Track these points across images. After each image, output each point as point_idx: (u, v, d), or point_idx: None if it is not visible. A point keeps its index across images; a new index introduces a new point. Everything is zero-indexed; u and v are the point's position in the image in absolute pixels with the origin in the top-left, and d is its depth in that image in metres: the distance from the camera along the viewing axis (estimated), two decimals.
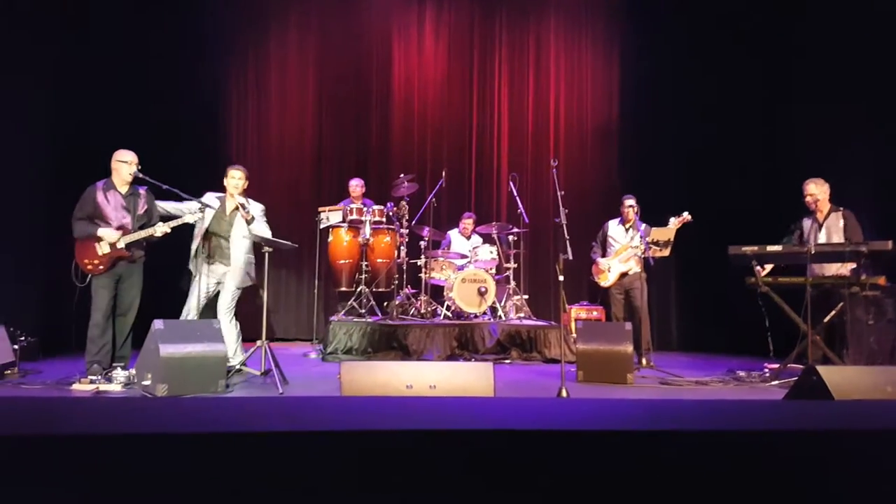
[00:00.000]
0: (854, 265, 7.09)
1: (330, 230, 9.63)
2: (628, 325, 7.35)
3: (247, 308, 10.93)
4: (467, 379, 4.40)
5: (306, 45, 11.73)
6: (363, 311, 9.18)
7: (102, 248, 6.52)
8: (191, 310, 7.13)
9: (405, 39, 12.03)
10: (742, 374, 7.64)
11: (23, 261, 8.27)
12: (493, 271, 9.85)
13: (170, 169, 7.05)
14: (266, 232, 7.26)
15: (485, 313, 9.47)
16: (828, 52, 9.84)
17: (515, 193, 10.15)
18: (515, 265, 10.03)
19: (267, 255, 6.76)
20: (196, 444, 1.91)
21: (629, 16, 12.08)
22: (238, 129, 11.48)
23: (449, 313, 9.55)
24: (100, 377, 6.26)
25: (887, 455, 2.15)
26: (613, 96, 12.30)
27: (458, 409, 2.67)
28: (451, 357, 8.58)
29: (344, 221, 9.37)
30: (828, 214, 7.65)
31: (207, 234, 7.16)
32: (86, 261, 6.51)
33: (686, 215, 8.28)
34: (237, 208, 7.23)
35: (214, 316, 7.08)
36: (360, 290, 9.29)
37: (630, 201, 8.77)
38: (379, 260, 9.50)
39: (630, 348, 7.17)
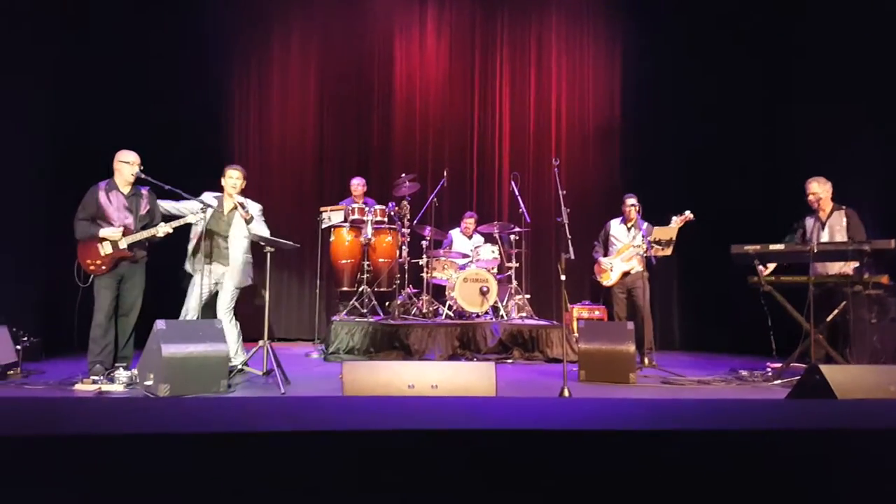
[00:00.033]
0: (857, 264, 7.09)
1: (332, 230, 9.62)
2: (630, 325, 7.34)
3: (249, 308, 10.98)
4: (469, 379, 4.40)
5: (308, 44, 11.73)
6: (365, 310, 9.18)
7: (105, 249, 6.52)
8: (189, 311, 7.13)
9: (407, 39, 12.04)
10: (744, 373, 7.63)
11: (23, 261, 8.27)
12: (495, 271, 9.86)
13: (171, 169, 7.06)
14: (265, 231, 7.26)
15: (487, 313, 9.47)
16: (828, 52, 9.84)
17: (517, 193, 10.15)
18: (517, 264, 10.03)
19: (269, 255, 6.76)
20: (198, 444, 1.91)
21: (630, 15, 12.07)
22: (240, 129, 11.49)
23: (451, 313, 9.55)
24: (102, 377, 6.26)
25: (890, 454, 2.15)
26: (615, 96, 12.30)
27: (460, 409, 2.67)
28: (453, 357, 8.58)
29: (346, 221, 9.37)
30: (830, 213, 7.65)
31: (205, 234, 7.15)
32: (88, 261, 6.51)
33: (688, 214, 8.28)
34: (235, 208, 7.23)
35: (213, 316, 7.07)
36: (362, 290, 9.29)
37: (631, 200, 8.77)
38: (381, 260, 9.50)
39: (632, 348, 7.16)
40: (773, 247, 7.27)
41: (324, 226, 9.64)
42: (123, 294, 6.79)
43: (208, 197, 7.19)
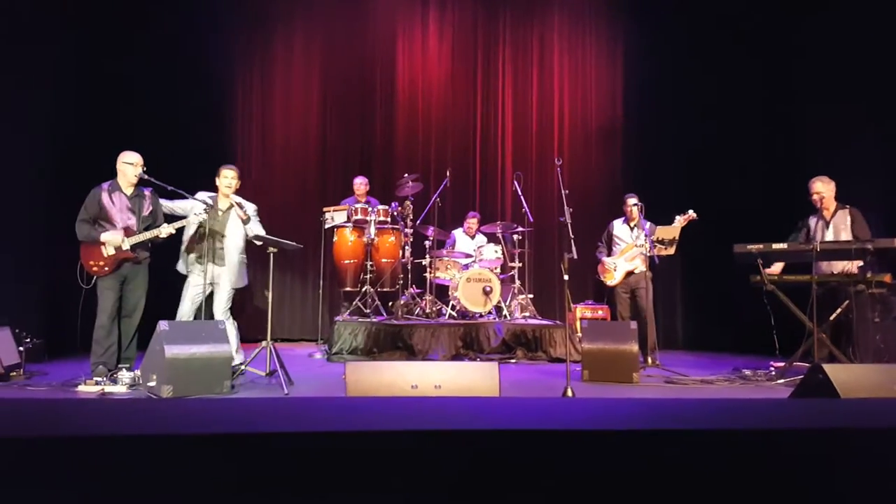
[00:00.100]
0: (861, 263, 7.09)
1: (335, 230, 9.63)
2: (634, 324, 7.32)
3: (251, 308, 10.99)
4: (472, 379, 4.40)
5: (311, 45, 11.74)
6: (368, 311, 9.19)
7: (108, 250, 6.52)
8: (185, 312, 7.12)
9: (409, 39, 12.04)
10: (748, 372, 7.62)
11: (25, 261, 8.26)
12: (498, 270, 9.84)
13: (173, 170, 7.04)
14: (261, 232, 7.25)
15: (490, 313, 9.47)
16: (828, 52, 9.85)
17: (520, 192, 10.14)
18: (520, 264, 10.02)
19: (271, 255, 6.76)
20: (201, 445, 1.91)
21: (631, 16, 12.07)
22: (243, 130, 11.49)
23: (454, 313, 9.55)
24: (105, 379, 6.25)
25: (893, 453, 2.15)
26: (617, 95, 12.31)
27: (464, 410, 2.67)
28: (457, 357, 8.58)
29: (349, 221, 9.37)
30: (835, 212, 7.65)
31: (200, 235, 7.13)
32: (91, 262, 6.51)
33: (691, 213, 8.28)
34: (231, 208, 7.22)
35: (208, 318, 7.06)
36: (365, 290, 9.29)
37: (632, 200, 8.76)
38: (384, 260, 9.50)
39: (635, 347, 7.15)
40: (776, 246, 7.26)
41: (327, 226, 9.63)
42: (126, 295, 6.79)
43: (203, 196, 7.16)
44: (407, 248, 9.68)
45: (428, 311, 9.47)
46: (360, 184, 10.00)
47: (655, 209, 8.68)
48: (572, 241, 7.20)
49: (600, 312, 10.57)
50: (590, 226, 9.91)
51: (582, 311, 10.57)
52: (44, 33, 8.71)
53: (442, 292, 10.10)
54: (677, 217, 8.35)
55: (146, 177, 6.65)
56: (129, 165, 6.66)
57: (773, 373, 7.53)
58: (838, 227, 7.59)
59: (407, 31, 12.03)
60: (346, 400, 3.53)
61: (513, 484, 1.98)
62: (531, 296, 10.10)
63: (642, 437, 2.12)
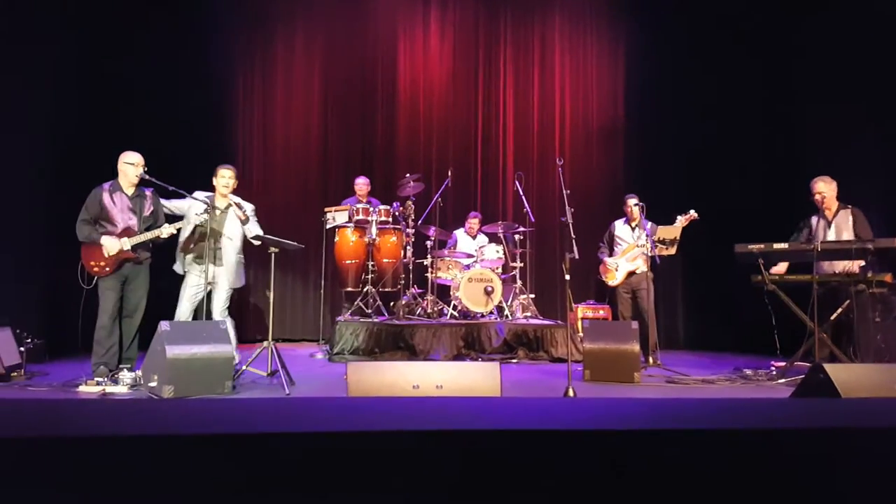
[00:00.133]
0: (863, 262, 7.09)
1: (336, 230, 9.63)
2: (635, 324, 7.32)
3: (252, 309, 11.00)
4: (474, 379, 4.40)
5: (312, 44, 11.74)
6: (369, 311, 9.19)
7: (108, 250, 6.52)
8: (183, 313, 7.12)
9: (410, 39, 12.04)
10: (749, 372, 7.62)
11: (25, 261, 8.26)
12: (500, 270, 9.84)
13: (174, 170, 7.05)
14: (259, 232, 7.24)
15: (491, 313, 9.47)
16: (828, 52, 9.85)
17: (521, 192, 10.13)
18: (521, 264, 10.02)
19: (273, 255, 6.77)
20: (202, 445, 1.91)
21: (632, 16, 12.07)
22: (244, 130, 11.49)
23: (455, 313, 9.55)
24: (106, 379, 6.25)
25: (894, 452, 2.15)
26: (618, 95, 12.30)
27: (465, 410, 2.67)
28: (458, 357, 8.58)
29: (350, 221, 9.37)
30: (836, 212, 7.65)
31: (197, 235, 7.12)
32: (92, 263, 6.52)
33: (692, 213, 8.30)
34: (228, 207, 7.20)
35: (207, 318, 7.05)
36: (367, 290, 9.29)
37: (633, 200, 8.77)
38: (385, 260, 9.50)
39: (637, 347, 7.14)
40: (776, 246, 7.26)
41: (328, 226, 9.63)
42: (127, 295, 6.79)
43: (201, 196, 7.15)
44: (408, 248, 9.68)
45: (429, 311, 9.47)
46: (362, 184, 10.00)
47: (656, 209, 8.68)
48: (573, 241, 7.18)
49: (601, 312, 10.57)
50: (591, 226, 9.90)
51: (583, 310, 10.57)
52: (44, 33, 8.71)
53: (443, 292, 10.10)
54: (678, 217, 8.36)
55: (147, 177, 6.64)
56: (131, 166, 6.66)
57: (774, 372, 7.53)
58: (840, 226, 7.59)
59: (408, 31, 12.02)
60: (347, 400, 3.53)
61: (514, 484, 1.98)
62: (532, 296, 10.10)
63: (644, 436, 2.12)
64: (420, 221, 9.99)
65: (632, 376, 7.03)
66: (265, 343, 6.64)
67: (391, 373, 4.36)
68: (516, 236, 10.14)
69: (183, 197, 6.98)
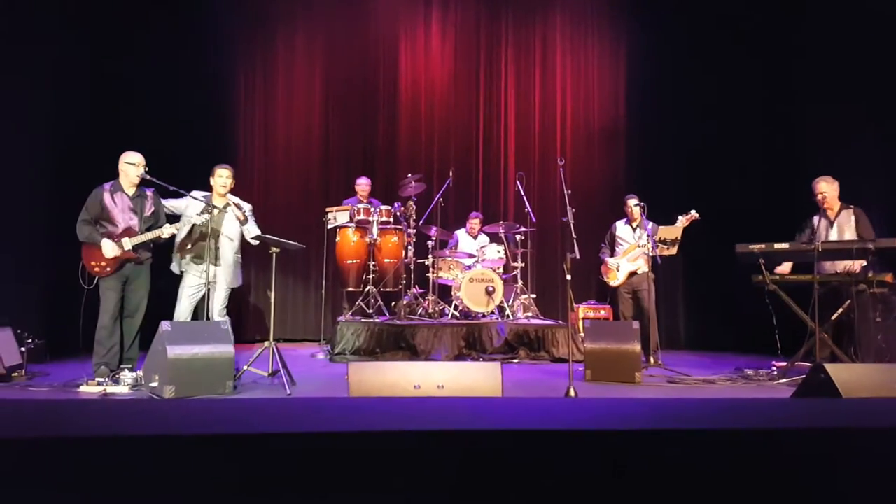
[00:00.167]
0: (865, 263, 7.09)
1: (337, 230, 9.63)
2: (636, 324, 7.32)
3: (253, 309, 11.01)
4: (475, 379, 4.39)
5: (313, 45, 11.75)
6: (371, 311, 9.19)
7: (105, 255, 6.52)
8: (182, 313, 7.12)
9: (412, 40, 12.05)
10: (750, 372, 7.61)
11: (26, 261, 8.26)
12: (501, 270, 9.84)
13: (175, 170, 7.05)
14: (258, 232, 7.25)
15: (492, 313, 9.47)
16: (828, 52, 9.85)
17: (522, 193, 10.13)
18: (523, 264, 10.03)
19: (274, 255, 6.77)
20: (203, 445, 1.91)
21: (633, 16, 12.07)
22: (245, 130, 11.50)
23: (457, 313, 9.55)
24: (107, 379, 6.26)
25: (895, 453, 2.15)
26: (619, 96, 12.30)
27: (466, 410, 2.67)
28: (459, 357, 8.58)
29: (351, 221, 9.37)
30: (839, 212, 7.65)
31: (201, 234, 7.12)
32: (93, 263, 6.52)
33: (693, 213, 8.30)
34: (226, 206, 7.18)
35: (202, 318, 7.05)
36: (368, 291, 9.29)
37: (633, 200, 8.76)
38: (386, 260, 9.50)
39: (638, 347, 7.14)
40: (777, 246, 7.26)
41: (329, 226, 9.63)
42: (128, 295, 6.79)
43: (198, 195, 7.14)
44: (410, 248, 9.68)
45: (430, 311, 9.47)
46: (364, 184, 10.00)
47: (657, 209, 8.67)
48: (575, 241, 7.18)
49: (602, 312, 10.58)
50: (592, 226, 9.89)
51: (584, 311, 10.57)
52: (44, 33, 8.71)
53: (445, 292, 10.10)
54: (679, 217, 8.37)
55: (148, 177, 6.64)
56: (132, 166, 6.65)
57: (775, 372, 7.53)
58: (842, 226, 7.59)
59: (409, 32, 12.03)
60: (348, 400, 3.53)
61: (515, 484, 1.98)
62: (534, 296, 10.10)
63: (645, 436, 2.12)
64: (421, 221, 9.98)
65: (633, 376, 7.03)
66: (266, 343, 6.65)
67: (392, 373, 4.35)
68: (517, 236, 10.14)
69: (181, 196, 6.98)
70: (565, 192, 7.55)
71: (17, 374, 6.87)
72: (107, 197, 6.60)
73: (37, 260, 8.46)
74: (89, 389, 6.10)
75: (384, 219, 9.32)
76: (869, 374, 4.77)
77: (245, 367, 6.61)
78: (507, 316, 9.60)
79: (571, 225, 7.31)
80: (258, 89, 11.58)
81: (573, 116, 12.26)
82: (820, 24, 10.06)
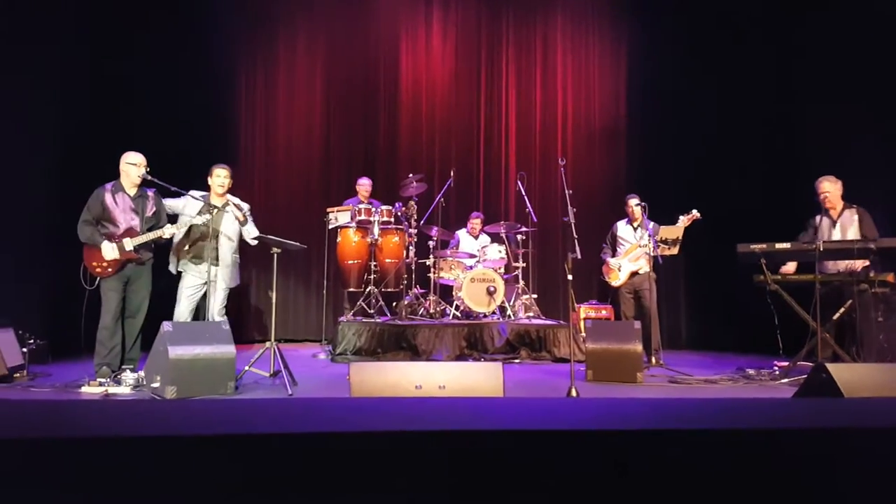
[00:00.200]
0: (867, 262, 7.09)
1: (338, 231, 9.63)
2: (637, 324, 7.32)
3: (254, 309, 11.01)
4: (477, 379, 4.40)
5: (314, 45, 11.75)
6: (372, 311, 9.18)
7: (105, 257, 6.52)
8: (182, 313, 7.11)
9: (412, 40, 12.05)
10: (751, 372, 7.60)
11: (27, 262, 8.26)
12: (502, 271, 9.84)
13: (176, 170, 7.04)
14: (257, 232, 7.25)
15: (494, 313, 9.46)
16: (828, 52, 9.85)
17: (523, 192, 10.13)
18: (524, 264, 10.02)
19: (275, 256, 6.77)
20: (205, 445, 1.91)
21: (634, 16, 12.07)
22: (246, 131, 11.50)
23: (458, 313, 9.55)
24: (109, 380, 6.25)
25: None
26: (620, 95, 12.30)
27: (468, 410, 2.67)
28: (461, 357, 8.57)
29: (352, 222, 9.37)
30: (842, 212, 7.65)
31: (194, 234, 7.12)
32: (94, 263, 6.51)
33: (695, 213, 8.29)
34: (225, 206, 7.16)
35: (203, 318, 7.05)
36: (369, 291, 9.28)
37: (634, 200, 8.76)
38: (387, 260, 9.49)
39: (639, 347, 7.14)
40: (779, 245, 7.25)
41: (331, 226, 9.64)
42: (130, 296, 6.78)
43: (196, 195, 7.13)
44: (411, 248, 9.69)
45: (432, 311, 9.47)
46: (365, 185, 10.01)
47: (658, 209, 8.67)
48: (576, 241, 7.18)
49: (604, 312, 10.57)
50: (593, 226, 9.90)
51: (586, 310, 10.57)
52: (44, 33, 8.71)
53: (446, 292, 10.09)
54: (681, 217, 8.36)
55: (149, 177, 6.64)
56: (133, 166, 6.65)
57: (777, 372, 7.52)
58: (845, 226, 7.59)
59: (410, 31, 12.04)
60: (350, 400, 3.53)
61: (517, 484, 1.98)
62: (535, 296, 10.09)
63: (646, 436, 2.12)
64: (422, 221, 9.99)
65: (634, 376, 7.02)
66: (268, 343, 6.64)
67: (394, 373, 4.35)
68: (518, 236, 10.13)
69: (180, 195, 6.98)
70: (566, 191, 7.55)
71: (19, 374, 6.88)
72: (108, 197, 6.60)
73: (39, 260, 8.46)
74: (91, 390, 6.10)
75: (385, 219, 9.32)
76: (871, 373, 4.77)
77: (246, 368, 6.60)
78: (509, 316, 9.60)
79: (572, 225, 7.31)
80: (259, 89, 11.59)
81: (574, 116, 12.26)
82: (820, 24, 10.06)
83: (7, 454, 1.80)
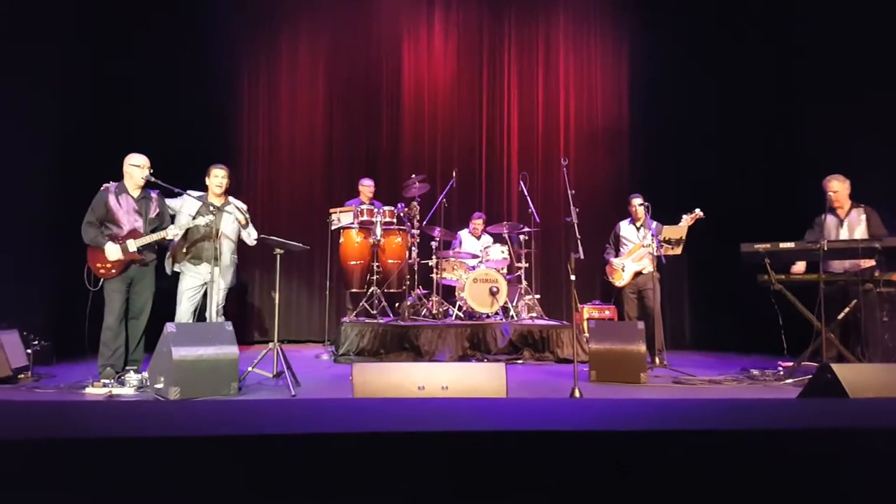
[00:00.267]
0: (873, 262, 7.08)
1: (341, 231, 9.62)
2: (641, 325, 7.31)
3: (257, 310, 11.01)
4: (479, 380, 4.39)
5: (316, 46, 11.76)
6: (375, 312, 9.18)
7: (108, 257, 6.53)
8: (183, 314, 7.12)
9: (415, 40, 12.05)
10: (756, 372, 7.60)
11: (30, 263, 8.27)
12: (505, 271, 9.84)
13: (177, 170, 7.05)
14: (256, 234, 7.26)
15: (497, 313, 9.45)
16: (828, 52, 9.85)
17: (526, 193, 10.13)
18: (527, 265, 10.01)
19: (278, 257, 6.77)
20: (208, 446, 1.91)
21: (636, 16, 12.06)
22: (248, 131, 11.51)
23: (461, 313, 9.54)
24: (113, 381, 6.27)
25: None
26: (622, 95, 12.28)
27: (471, 411, 2.67)
28: (463, 358, 8.56)
29: (355, 222, 9.37)
30: (849, 211, 7.64)
31: (193, 235, 7.13)
32: (98, 265, 6.53)
33: (698, 212, 8.29)
34: (224, 205, 7.14)
35: (203, 318, 7.06)
36: (372, 291, 9.28)
37: (637, 200, 8.76)
38: (390, 261, 9.49)
39: (643, 347, 7.13)
40: (783, 245, 7.24)
41: (333, 227, 9.64)
42: (133, 297, 6.79)
43: (195, 195, 7.12)
44: (413, 248, 9.68)
45: (434, 311, 9.46)
46: (367, 185, 10.01)
47: (661, 209, 8.67)
48: (579, 241, 7.18)
49: (607, 313, 10.55)
50: (596, 226, 9.91)
51: (589, 311, 10.54)
52: (44, 33, 8.72)
53: (448, 293, 10.08)
54: (684, 216, 8.35)
55: (153, 179, 6.65)
56: (136, 168, 6.67)
57: (782, 373, 7.51)
58: (853, 225, 7.58)
59: (412, 32, 12.04)
60: (353, 401, 3.53)
61: (520, 485, 1.97)
62: (538, 296, 10.09)
63: (650, 437, 2.11)
64: (425, 222, 9.98)
65: (638, 377, 7.02)
66: (271, 344, 6.64)
67: (396, 374, 4.35)
68: (521, 237, 10.12)
69: (179, 195, 6.99)
70: (569, 191, 7.54)
71: (23, 375, 6.89)
72: (112, 199, 6.61)
73: (39, 261, 8.47)
74: (95, 391, 6.11)
75: (388, 220, 9.32)
76: (876, 373, 4.75)
77: (250, 369, 6.60)
78: (512, 316, 9.59)
79: (575, 225, 7.30)
80: (261, 89, 11.59)
81: (576, 116, 12.25)
82: (820, 24, 10.05)
83: (12, 455, 1.80)
